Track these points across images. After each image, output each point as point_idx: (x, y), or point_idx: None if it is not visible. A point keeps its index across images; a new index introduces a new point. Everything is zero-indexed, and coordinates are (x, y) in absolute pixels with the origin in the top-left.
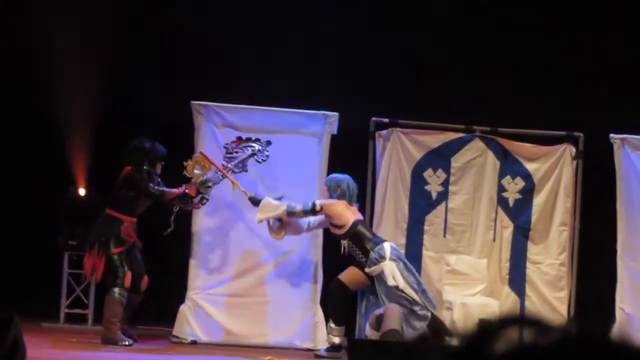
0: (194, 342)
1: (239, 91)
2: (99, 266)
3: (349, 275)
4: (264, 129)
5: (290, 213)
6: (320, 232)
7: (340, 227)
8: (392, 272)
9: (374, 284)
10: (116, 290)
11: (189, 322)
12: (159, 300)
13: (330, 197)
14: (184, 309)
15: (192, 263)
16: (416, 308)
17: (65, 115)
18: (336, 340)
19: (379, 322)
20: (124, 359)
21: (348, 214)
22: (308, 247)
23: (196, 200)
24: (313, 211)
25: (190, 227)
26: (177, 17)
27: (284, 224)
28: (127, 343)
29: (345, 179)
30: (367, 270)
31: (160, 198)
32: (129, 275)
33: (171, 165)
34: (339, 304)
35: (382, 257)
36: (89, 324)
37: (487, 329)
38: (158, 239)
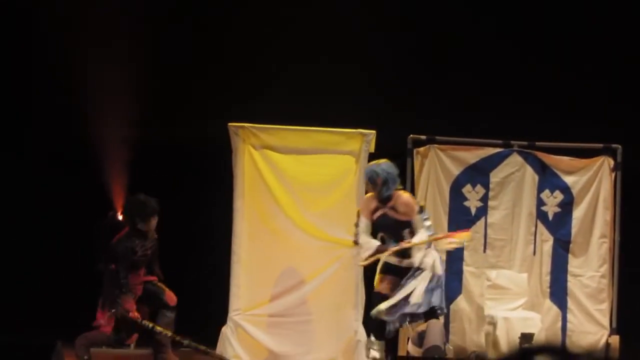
0: None
1: (275, 112)
2: (110, 322)
3: (382, 284)
4: (301, 148)
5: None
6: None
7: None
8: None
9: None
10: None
11: (231, 343)
12: (200, 322)
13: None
14: (226, 330)
15: (233, 283)
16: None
17: (104, 141)
18: (377, 355)
19: (420, 338)
20: None
21: None
22: (350, 265)
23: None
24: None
25: (230, 248)
26: (212, 40)
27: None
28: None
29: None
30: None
31: (121, 287)
32: (169, 294)
33: (210, 189)
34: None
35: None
36: (131, 348)
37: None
38: (199, 260)
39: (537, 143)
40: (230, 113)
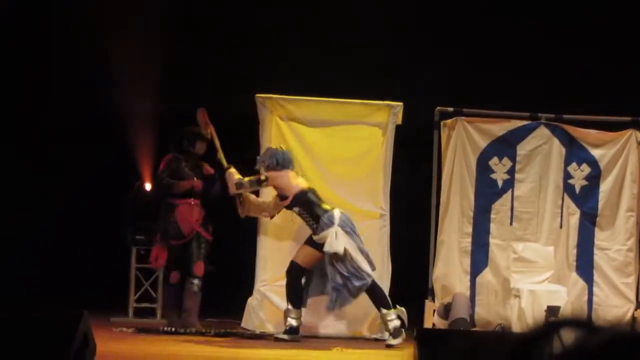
0: (262, 334)
1: (302, 83)
2: (162, 255)
3: (302, 254)
4: (328, 120)
5: (239, 184)
6: (387, 222)
7: (286, 198)
8: (336, 237)
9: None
10: (195, 282)
11: (257, 314)
12: (227, 293)
13: (270, 169)
14: (252, 301)
15: (260, 255)
16: (355, 277)
17: (131, 112)
18: (294, 322)
19: (446, 310)
20: (196, 353)
21: (295, 182)
22: (375, 237)
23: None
24: (259, 182)
25: (257, 219)
26: (238, 10)
27: (243, 201)
28: (203, 330)
29: (275, 150)
30: (315, 237)
31: (168, 189)
32: (199, 264)
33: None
34: (293, 284)
35: (331, 223)
36: (157, 318)
37: (538, 332)
38: (225, 231)
39: (564, 116)
40: (257, 84)
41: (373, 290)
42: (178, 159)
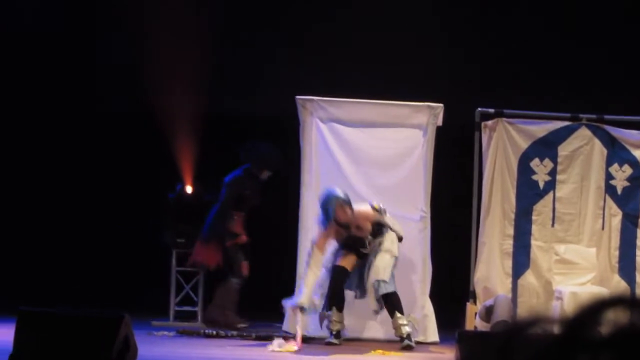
0: (303, 337)
1: (343, 85)
2: (216, 257)
3: (348, 258)
4: (369, 121)
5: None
6: (428, 224)
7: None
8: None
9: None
10: (234, 280)
11: (298, 317)
12: (269, 295)
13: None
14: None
15: (300, 258)
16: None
17: (173, 114)
18: (339, 326)
19: (488, 313)
20: (238, 357)
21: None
22: (417, 239)
23: None
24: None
25: (298, 222)
26: (280, 14)
27: None
28: (244, 325)
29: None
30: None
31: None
32: (244, 264)
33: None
34: (340, 288)
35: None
36: (198, 321)
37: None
38: (269, 233)
39: (605, 116)
40: (298, 86)
41: (392, 295)
42: (244, 182)
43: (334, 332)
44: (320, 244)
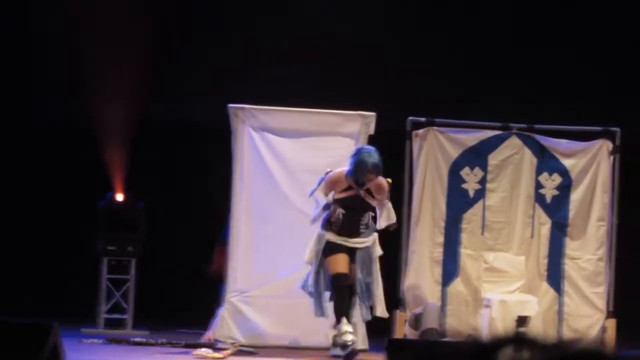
0: (233, 344)
1: (275, 94)
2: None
3: (338, 262)
4: (301, 130)
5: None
6: None
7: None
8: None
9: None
10: None
11: (229, 325)
12: (199, 303)
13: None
14: (224, 312)
15: (231, 265)
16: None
17: (104, 122)
18: (352, 337)
19: (418, 321)
20: None
21: None
22: None
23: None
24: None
25: (229, 231)
26: (211, 21)
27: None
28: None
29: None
30: (363, 238)
31: None
32: None
33: (212, 170)
34: (345, 296)
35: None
36: (128, 328)
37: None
38: (197, 244)
39: (535, 126)
40: (230, 94)
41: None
42: None
43: (349, 343)
44: (330, 182)
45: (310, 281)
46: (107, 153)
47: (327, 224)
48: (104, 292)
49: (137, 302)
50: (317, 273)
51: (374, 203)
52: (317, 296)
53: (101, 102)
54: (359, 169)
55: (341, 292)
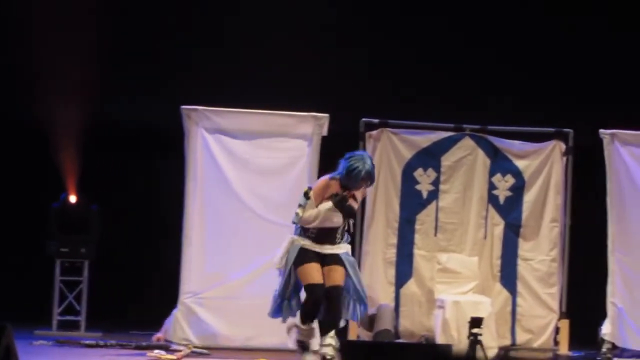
0: (186, 346)
1: (228, 95)
2: None
3: (312, 272)
4: (254, 131)
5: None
6: None
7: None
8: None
9: None
10: None
11: (182, 327)
12: (152, 305)
13: None
14: (177, 313)
15: (185, 267)
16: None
17: (56, 123)
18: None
19: (371, 322)
20: None
21: None
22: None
23: None
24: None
25: (181, 232)
26: (164, 22)
27: None
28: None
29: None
30: (342, 245)
31: None
32: None
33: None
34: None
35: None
36: (81, 330)
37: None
38: (150, 242)
39: (489, 127)
40: (183, 96)
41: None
42: None
43: (328, 357)
44: (319, 191)
45: (278, 287)
46: (60, 155)
47: (302, 230)
48: (57, 293)
49: (90, 304)
50: (286, 280)
51: (355, 206)
52: (279, 301)
53: (54, 103)
54: (353, 177)
55: (318, 304)
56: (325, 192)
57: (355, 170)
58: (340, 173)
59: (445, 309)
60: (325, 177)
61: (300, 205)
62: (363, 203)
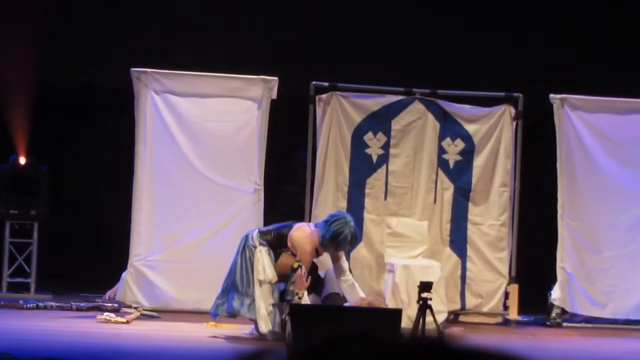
0: (136, 309)
1: (178, 58)
2: None
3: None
4: (203, 94)
5: None
6: (261, 197)
7: None
8: None
9: None
10: None
11: (132, 289)
12: (102, 267)
13: None
14: (127, 275)
15: (134, 229)
16: None
17: (5, 84)
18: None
19: (320, 285)
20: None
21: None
22: (250, 212)
23: None
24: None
25: (132, 195)
26: None
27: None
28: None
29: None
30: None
31: None
32: None
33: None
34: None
35: None
36: (31, 292)
37: None
38: (99, 205)
39: (439, 91)
40: (134, 57)
41: None
42: None
43: None
44: (311, 257)
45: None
46: (9, 116)
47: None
48: (6, 256)
49: (40, 266)
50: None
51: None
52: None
53: (4, 64)
54: (340, 242)
55: None
56: (313, 254)
57: (341, 235)
58: (324, 236)
59: (395, 273)
60: (310, 246)
61: (292, 282)
62: (313, 167)
